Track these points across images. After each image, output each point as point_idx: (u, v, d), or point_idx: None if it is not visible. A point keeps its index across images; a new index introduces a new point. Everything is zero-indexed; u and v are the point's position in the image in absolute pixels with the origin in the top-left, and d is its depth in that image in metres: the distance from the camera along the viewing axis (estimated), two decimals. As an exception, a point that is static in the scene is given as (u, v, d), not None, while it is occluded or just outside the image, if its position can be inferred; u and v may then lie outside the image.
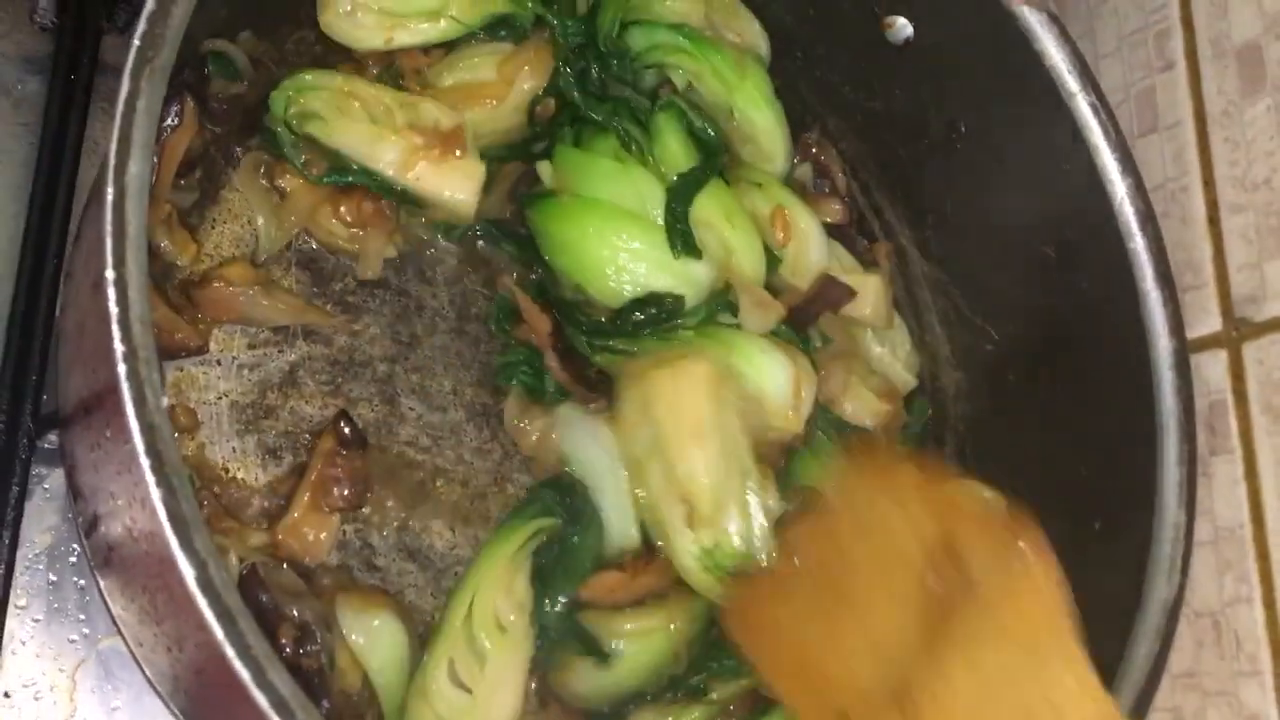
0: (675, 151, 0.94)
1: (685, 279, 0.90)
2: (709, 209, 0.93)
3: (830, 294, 0.97)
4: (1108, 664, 0.80)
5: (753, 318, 0.92)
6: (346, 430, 0.86)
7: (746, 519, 0.87)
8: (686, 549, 0.86)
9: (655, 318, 0.90)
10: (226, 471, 0.85)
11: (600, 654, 0.86)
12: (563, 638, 0.86)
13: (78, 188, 0.95)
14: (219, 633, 0.52)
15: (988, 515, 0.77)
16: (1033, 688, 0.67)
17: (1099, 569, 0.86)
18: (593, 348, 0.91)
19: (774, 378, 0.90)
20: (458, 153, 0.88)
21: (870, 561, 0.75)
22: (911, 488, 0.76)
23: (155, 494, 0.53)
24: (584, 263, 0.91)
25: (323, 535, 0.81)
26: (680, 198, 0.91)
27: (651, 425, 0.86)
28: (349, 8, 0.89)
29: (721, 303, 0.92)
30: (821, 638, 0.75)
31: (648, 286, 0.90)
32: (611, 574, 0.87)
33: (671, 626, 0.88)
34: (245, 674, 0.52)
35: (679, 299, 0.90)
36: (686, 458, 0.85)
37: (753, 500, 0.87)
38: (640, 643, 0.87)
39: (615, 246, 0.90)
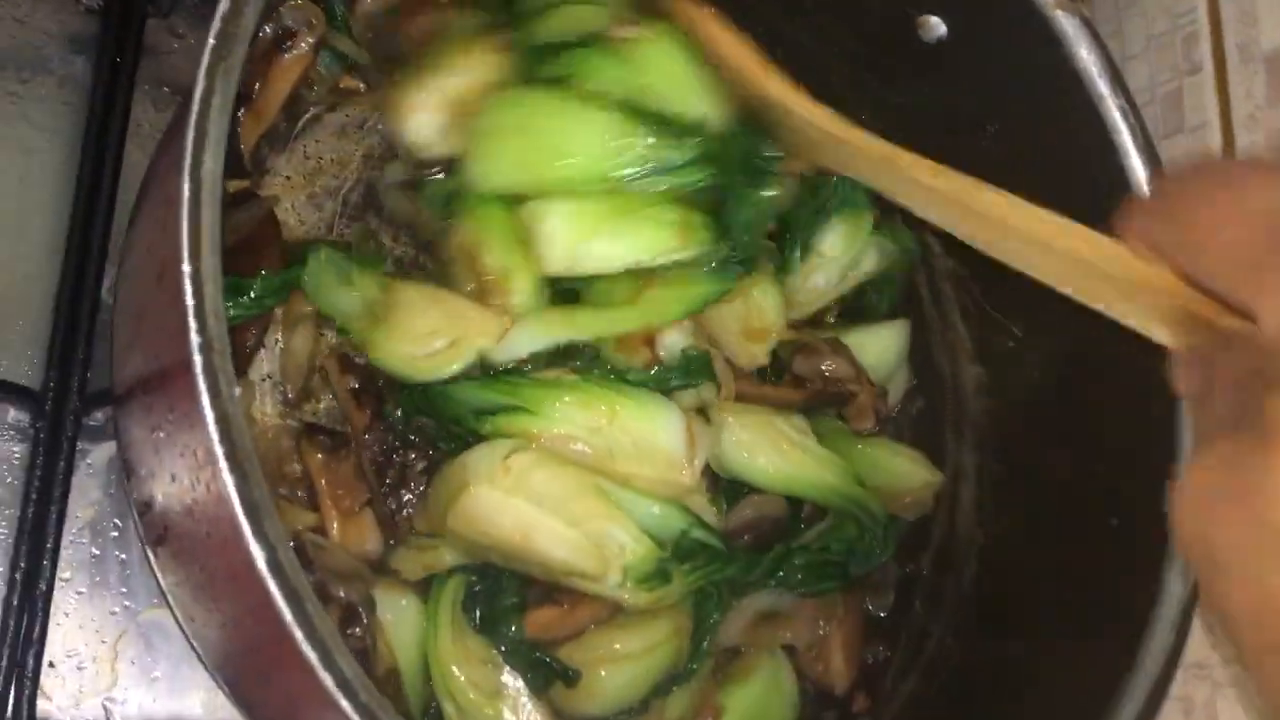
0: None
1: None
2: None
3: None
4: (1124, 656, 0.82)
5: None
6: (321, 438, 0.86)
7: (628, 525, 0.85)
8: (609, 593, 0.85)
9: None
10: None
11: (570, 680, 0.86)
12: (539, 672, 0.87)
13: (123, 168, 0.97)
14: (287, 615, 0.54)
15: None
16: None
17: (1116, 564, 0.88)
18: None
19: (667, 430, 0.88)
20: None
21: None
22: None
23: (229, 481, 0.55)
24: None
25: (365, 531, 0.83)
26: None
27: (485, 545, 0.85)
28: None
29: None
30: None
31: None
32: (546, 611, 0.87)
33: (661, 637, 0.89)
34: (312, 655, 0.54)
35: None
36: (534, 553, 0.83)
37: (619, 505, 0.86)
38: (631, 664, 0.88)
39: None
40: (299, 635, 0.54)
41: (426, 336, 0.83)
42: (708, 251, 0.90)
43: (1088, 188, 0.92)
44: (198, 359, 0.55)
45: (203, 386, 0.55)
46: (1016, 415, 1.02)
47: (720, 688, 0.93)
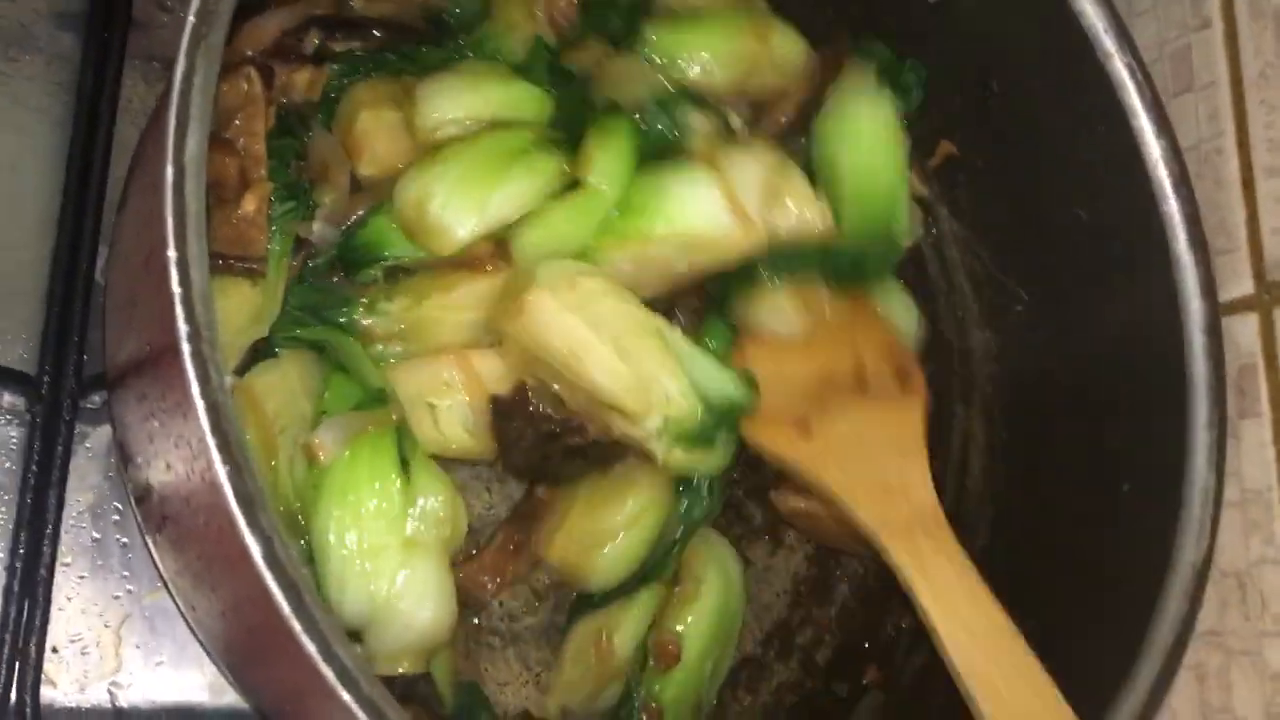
0: None
1: None
2: None
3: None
4: (1137, 624, 0.81)
5: None
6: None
7: (680, 378, 0.86)
8: (644, 439, 0.85)
9: None
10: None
11: None
12: None
13: (114, 146, 0.96)
14: (285, 607, 0.54)
15: (897, 344, 0.99)
16: (889, 462, 0.90)
17: (1128, 531, 0.87)
18: None
19: (699, 208, 0.89)
20: None
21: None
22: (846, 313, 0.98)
23: (221, 471, 0.54)
24: None
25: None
26: None
27: (538, 363, 0.85)
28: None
29: None
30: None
31: None
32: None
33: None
34: (312, 647, 0.54)
35: None
36: (581, 375, 0.83)
37: (676, 356, 0.86)
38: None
39: None
40: (297, 627, 0.54)
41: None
42: None
43: (1094, 146, 0.91)
44: (186, 347, 0.54)
45: (192, 375, 0.54)
46: (1026, 382, 1.01)
47: (673, 615, 0.93)
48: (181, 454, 0.61)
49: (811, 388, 0.94)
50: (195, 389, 0.54)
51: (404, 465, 0.78)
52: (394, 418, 0.79)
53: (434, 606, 0.76)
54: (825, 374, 0.95)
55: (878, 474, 0.90)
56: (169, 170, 0.55)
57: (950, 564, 0.85)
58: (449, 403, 0.85)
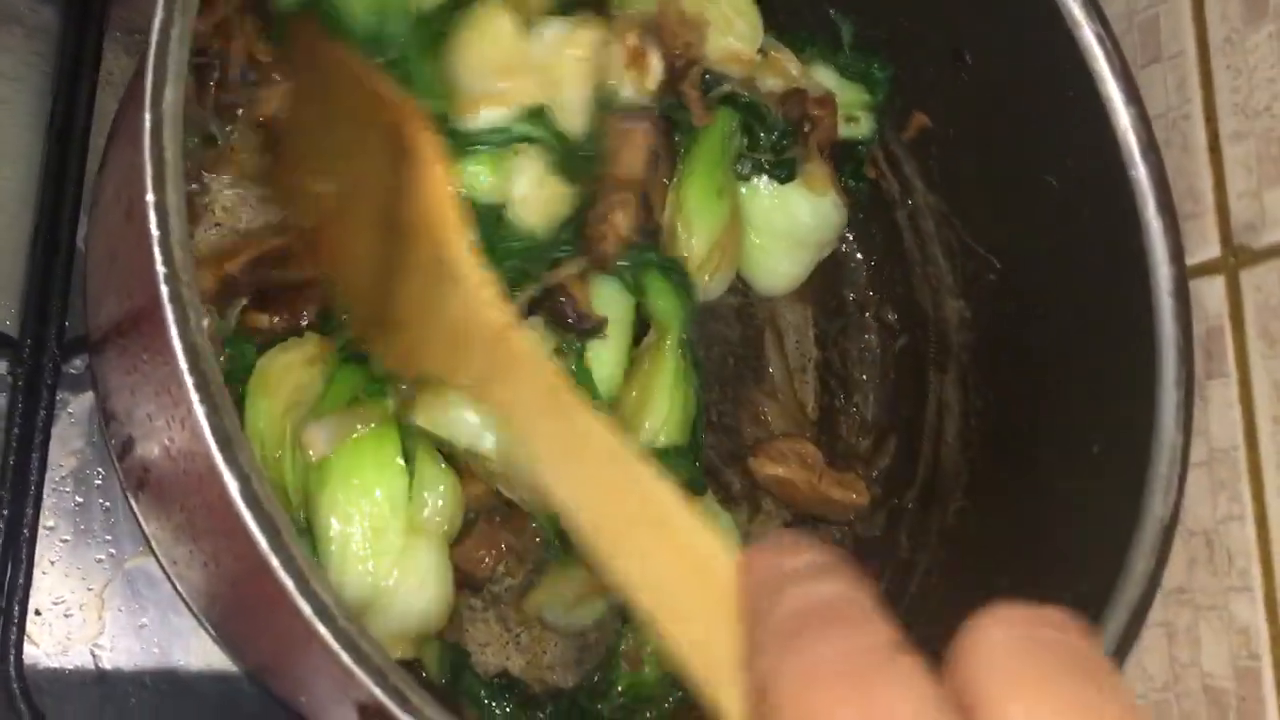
0: None
1: None
2: None
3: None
4: (1106, 581, 0.82)
5: None
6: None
7: None
8: None
9: None
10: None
11: None
12: None
13: (95, 116, 0.96)
14: (263, 543, 0.54)
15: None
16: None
17: (1097, 490, 0.89)
18: None
19: None
20: None
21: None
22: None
23: (200, 411, 0.55)
24: None
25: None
26: None
27: None
28: None
29: None
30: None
31: None
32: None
33: None
34: (289, 582, 0.55)
35: None
36: None
37: None
38: None
39: None
40: (275, 563, 0.55)
41: None
42: None
43: (1064, 114, 0.92)
44: (164, 289, 0.55)
45: (170, 317, 0.55)
46: (998, 348, 1.03)
47: None
48: (161, 402, 0.62)
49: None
50: (174, 331, 0.55)
51: (407, 457, 0.79)
52: (392, 412, 0.79)
53: (433, 592, 0.77)
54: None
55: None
56: (147, 117, 0.56)
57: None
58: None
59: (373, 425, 0.77)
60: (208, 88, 0.87)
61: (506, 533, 0.92)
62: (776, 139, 0.99)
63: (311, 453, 0.75)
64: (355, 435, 0.76)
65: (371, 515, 0.75)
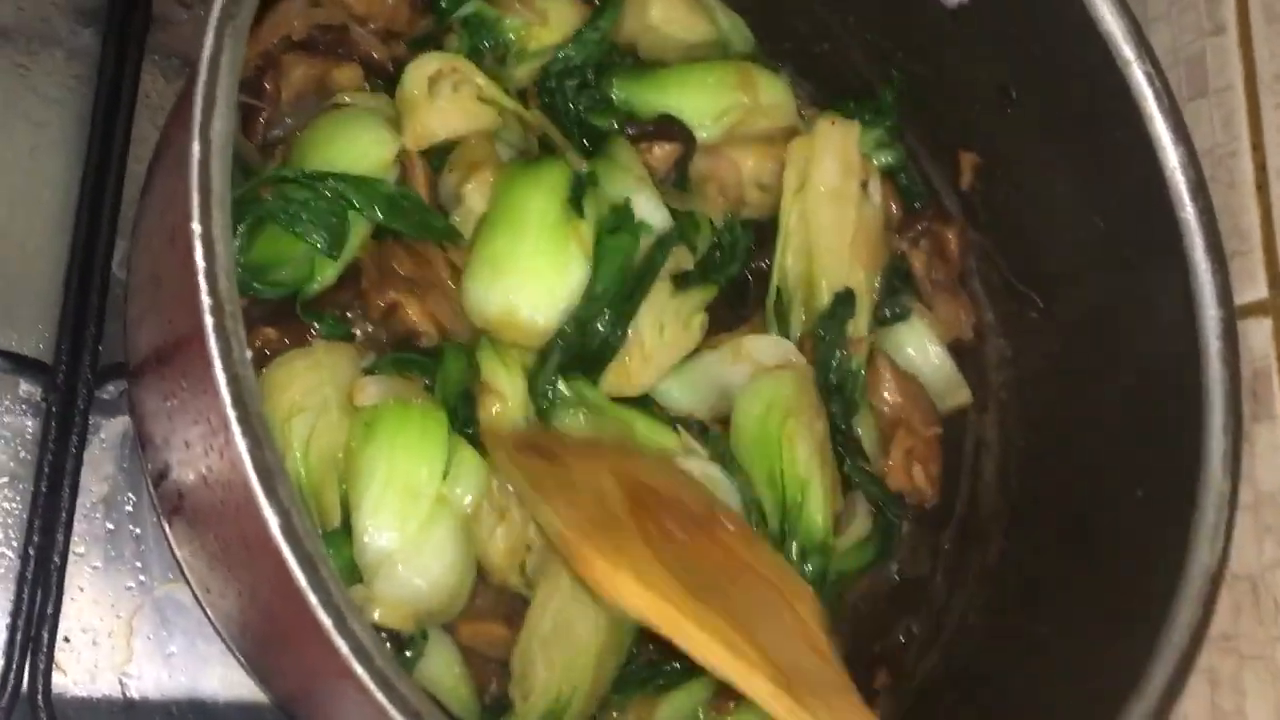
0: None
1: None
2: None
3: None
4: (1150, 629, 0.81)
5: None
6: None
7: None
8: None
9: None
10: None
11: None
12: None
13: (132, 140, 0.96)
14: (302, 580, 0.54)
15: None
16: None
17: (1143, 536, 0.87)
18: None
19: None
20: None
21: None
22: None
23: (241, 444, 0.54)
24: None
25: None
26: None
27: None
28: None
29: None
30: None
31: None
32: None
33: None
34: (327, 621, 0.54)
35: None
36: None
37: None
38: None
39: None
40: (314, 600, 0.54)
41: None
42: None
43: (1112, 153, 0.91)
44: (209, 320, 0.54)
45: (214, 348, 0.54)
46: (1039, 387, 1.01)
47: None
48: (200, 430, 0.61)
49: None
50: (217, 362, 0.54)
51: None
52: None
53: (448, 563, 0.77)
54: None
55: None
56: (195, 146, 0.55)
57: None
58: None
59: (423, 401, 0.80)
60: (255, 123, 0.87)
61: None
62: None
63: (361, 397, 0.78)
64: (407, 403, 0.79)
65: (408, 475, 0.77)
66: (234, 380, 0.54)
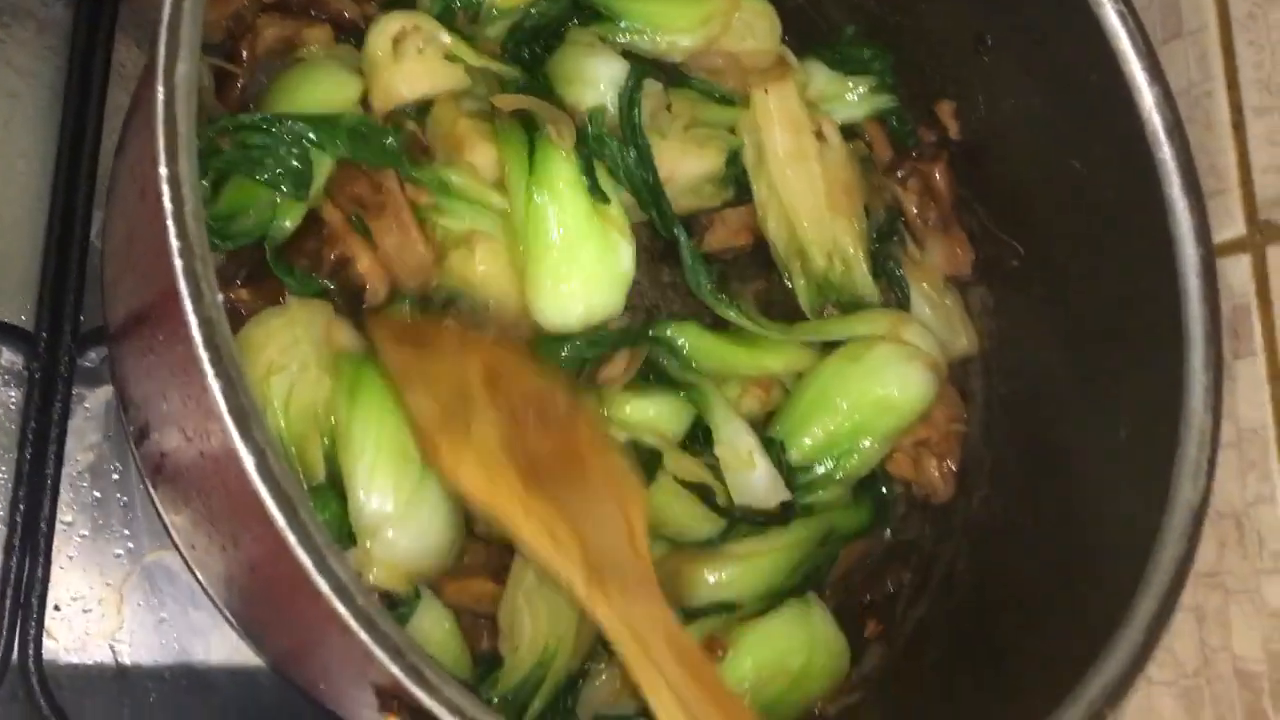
0: None
1: None
2: None
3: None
4: (1134, 568, 0.81)
5: None
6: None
7: None
8: None
9: None
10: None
11: None
12: None
13: (107, 112, 0.96)
14: (280, 519, 0.54)
15: None
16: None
17: (1126, 475, 0.87)
18: None
19: None
20: None
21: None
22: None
23: (214, 386, 0.54)
24: None
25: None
26: None
27: None
28: None
29: None
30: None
31: None
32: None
33: None
34: (307, 560, 0.54)
35: None
36: None
37: None
38: None
39: None
40: (292, 540, 0.54)
41: None
42: None
43: (1088, 96, 0.91)
44: (178, 263, 0.54)
45: (184, 290, 0.54)
46: (1022, 333, 1.01)
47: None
48: (177, 382, 0.61)
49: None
50: (188, 305, 0.54)
51: None
52: None
53: (441, 523, 0.78)
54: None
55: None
56: (160, 90, 0.55)
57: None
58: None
59: None
60: (231, 88, 0.87)
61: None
62: None
63: (337, 343, 0.79)
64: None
65: (396, 438, 0.78)
66: (205, 323, 0.54)
